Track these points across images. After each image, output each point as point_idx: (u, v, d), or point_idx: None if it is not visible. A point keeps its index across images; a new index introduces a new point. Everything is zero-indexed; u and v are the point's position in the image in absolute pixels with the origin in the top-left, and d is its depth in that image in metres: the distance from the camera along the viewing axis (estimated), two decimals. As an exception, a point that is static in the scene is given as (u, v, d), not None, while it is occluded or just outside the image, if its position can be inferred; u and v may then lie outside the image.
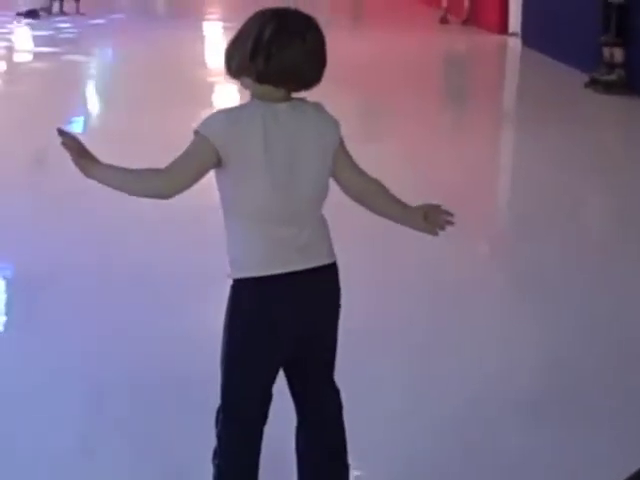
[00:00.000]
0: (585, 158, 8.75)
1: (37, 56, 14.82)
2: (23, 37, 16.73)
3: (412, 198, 3.33)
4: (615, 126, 10.60)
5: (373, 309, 5.25)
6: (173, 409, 4.23)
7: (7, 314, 5.41)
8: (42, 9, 18.01)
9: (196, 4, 21.33)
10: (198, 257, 5.81)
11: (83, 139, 3.06)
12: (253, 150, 2.92)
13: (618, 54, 11.27)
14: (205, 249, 4.35)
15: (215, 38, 16.39)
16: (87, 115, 10.94)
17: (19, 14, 17.99)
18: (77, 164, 3.01)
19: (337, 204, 3.28)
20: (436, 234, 3.18)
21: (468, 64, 15.04)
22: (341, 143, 3.10)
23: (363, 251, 5.98)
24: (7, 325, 5.27)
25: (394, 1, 21.27)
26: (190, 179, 2.96)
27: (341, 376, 3.29)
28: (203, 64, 13.46)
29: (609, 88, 11.19)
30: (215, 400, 3.14)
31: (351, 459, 3.30)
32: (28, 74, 13.58)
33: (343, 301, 3.18)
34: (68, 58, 14.29)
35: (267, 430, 3.17)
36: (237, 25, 3.03)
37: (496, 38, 15.69)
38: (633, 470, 3.45)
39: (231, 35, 3.03)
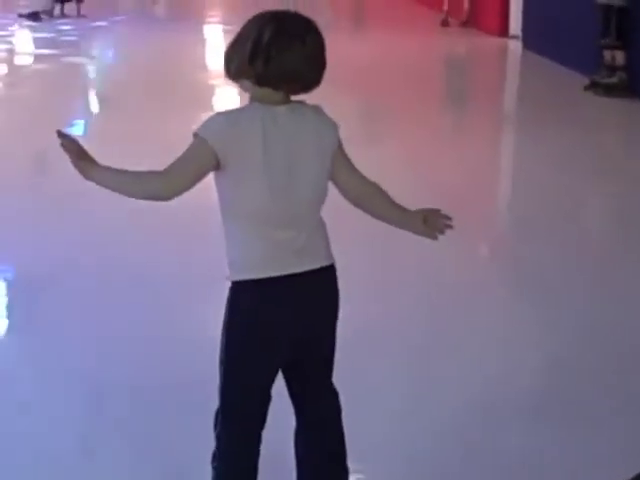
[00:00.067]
0: (586, 160, 8.76)
1: (38, 58, 14.83)
2: (24, 39, 16.74)
3: (413, 200, 3.34)
4: (616, 128, 10.60)
5: (373, 311, 5.26)
6: (173, 410, 4.23)
7: (7, 315, 5.42)
8: (44, 11, 18.02)
9: (197, 7, 21.35)
10: (198, 258, 5.82)
11: (84, 141, 3.07)
12: (252, 152, 2.92)
13: (619, 57, 11.26)
14: (205, 250, 4.36)
15: (215, 41, 16.40)
16: (88, 117, 10.94)
17: (20, 16, 18.00)
18: (76, 166, 3.01)
19: (337, 206, 3.28)
20: (435, 238, 3.18)
21: (469, 67, 15.04)
22: (340, 146, 3.10)
23: (363, 253, 5.98)
24: (7, 326, 5.28)
25: (395, 3, 21.28)
26: (189, 181, 2.96)
27: (341, 377, 3.29)
28: (204, 67, 13.47)
29: (610, 91, 11.19)
30: (215, 401, 3.14)
31: (351, 461, 3.30)
32: (29, 76, 13.59)
33: (343, 303, 3.18)
34: (69, 60, 14.29)
35: (266, 432, 3.17)
36: (237, 28, 3.04)
37: (497, 41, 15.69)
38: (633, 471, 3.47)
39: (231, 38, 3.03)
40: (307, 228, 3.04)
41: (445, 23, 17.46)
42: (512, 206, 7.97)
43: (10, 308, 5.52)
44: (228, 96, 9.93)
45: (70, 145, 3.01)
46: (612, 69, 11.34)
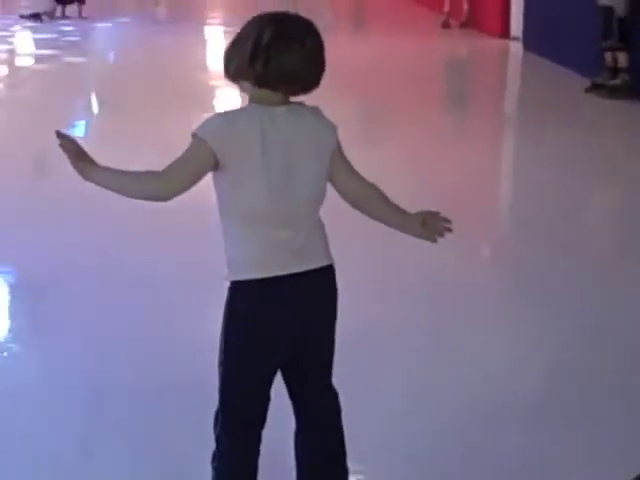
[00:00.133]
0: (586, 162, 8.75)
1: (39, 59, 14.84)
2: (25, 40, 16.76)
3: (413, 202, 3.34)
4: (617, 130, 10.59)
5: (373, 311, 5.26)
6: (173, 411, 4.23)
7: (8, 316, 5.42)
8: (45, 13, 18.04)
9: (198, 8, 21.36)
10: (197, 258, 5.82)
11: (84, 142, 3.07)
12: (250, 153, 2.92)
13: (622, 59, 11.24)
14: (205, 251, 4.36)
15: (216, 42, 16.41)
16: (88, 118, 10.95)
17: (22, 17, 18.03)
18: (75, 167, 3.02)
19: (337, 207, 3.28)
20: (434, 241, 3.18)
21: (470, 68, 15.05)
22: (338, 147, 3.11)
23: (363, 253, 5.99)
24: (7, 327, 5.28)
25: (395, 5, 21.29)
26: (188, 181, 2.96)
27: (341, 377, 3.29)
28: (204, 68, 13.47)
29: (613, 93, 11.18)
30: (215, 402, 3.14)
31: (351, 461, 3.30)
32: (30, 77, 13.61)
33: (342, 303, 3.18)
34: (70, 61, 14.31)
35: (266, 432, 3.17)
36: (238, 29, 3.04)
37: (498, 42, 15.70)
38: (634, 471, 3.47)
39: (231, 39, 3.04)
40: (306, 228, 3.04)
41: (446, 25, 17.47)
42: (513, 207, 7.97)
43: (10, 309, 5.52)
44: (229, 97, 9.94)
45: (69, 146, 3.01)
46: (614, 71, 11.32)
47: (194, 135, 2.94)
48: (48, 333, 5.09)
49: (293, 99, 3.03)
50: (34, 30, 17.21)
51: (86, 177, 3.03)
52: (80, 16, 18.40)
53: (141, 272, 5.83)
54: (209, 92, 11.59)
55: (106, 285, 5.69)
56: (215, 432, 3.15)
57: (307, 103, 3.07)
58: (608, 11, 11.26)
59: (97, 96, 12.43)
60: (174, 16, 20.81)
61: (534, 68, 13.90)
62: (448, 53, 15.75)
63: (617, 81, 11.26)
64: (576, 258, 6.26)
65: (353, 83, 12.30)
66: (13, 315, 5.43)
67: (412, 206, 3.25)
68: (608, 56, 11.39)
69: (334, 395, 3.27)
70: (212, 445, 3.16)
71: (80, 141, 3.07)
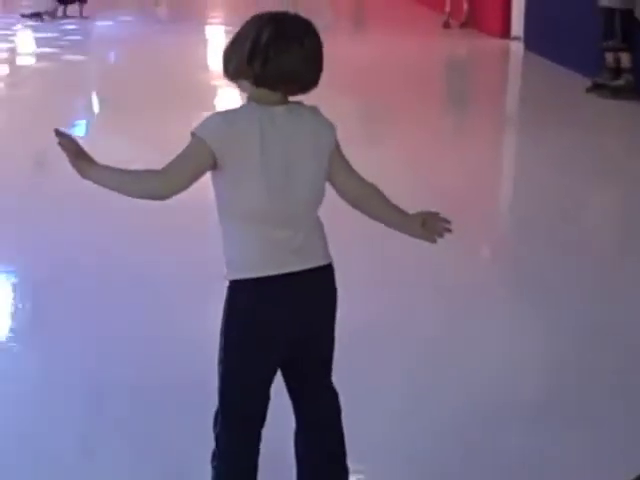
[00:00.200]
0: (587, 162, 8.75)
1: (40, 58, 14.83)
2: (26, 39, 16.76)
3: (413, 202, 3.34)
4: (618, 130, 10.58)
5: (373, 311, 5.25)
6: (173, 410, 4.23)
7: (8, 315, 5.42)
8: (46, 12, 18.04)
9: (199, 8, 21.35)
10: (198, 258, 5.81)
11: (85, 141, 3.07)
12: (249, 152, 2.93)
13: (625, 59, 11.23)
14: (205, 250, 4.35)
15: (217, 42, 16.40)
16: (89, 117, 10.95)
17: (23, 16, 18.03)
18: (74, 165, 3.02)
19: (337, 206, 3.28)
20: (434, 241, 3.19)
21: (470, 68, 15.03)
22: (337, 146, 3.11)
23: (363, 253, 5.99)
24: (7, 326, 5.28)
25: (396, 5, 21.27)
26: (186, 180, 2.97)
27: (341, 377, 3.29)
28: (205, 67, 13.46)
29: (617, 93, 11.17)
30: (215, 401, 3.14)
31: (351, 461, 3.30)
32: (30, 76, 13.59)
33: (342, 303, 3.18)
34: (70, 61, 14.30)
35: (266, 430, 3.17)
36: (238, 29, 3.04)
37: (498, 42, 15.67)
38: (635, 471, 3.47)
39: (230, 38, 3.04)
40: (304, 228, 3.04)
41: (447, 25, 17.44)
42: (513, 207, 7.96)
43: (10, 308, 5.52)
44: (229, 97, 9.94)
45: (68, 144, 3.02)
46: (616, 71, 11.31)
47: (193, 134, 2.95)
48: (48, 332, 5.09)
49: (292, 98, 3.03)
50: (35, 29, 17.20)
51: (84, 175, 3.03)
52: (81, 15, 18.39)
53: (141, 271, 5.83)
54: (210, 91, 11.58)
55: (106, 284, 5.69)
56: (215, 432, 3.16)
57: (307, 103, 3.07)
58: (609, 12, 11.25)
59: (98, 95, 12.43)
60: (175, 15, 20.79)
61: (535, 68, 13.89)
62: (449, 53, 15.73)
63: (620, 81, 11.25)
64: (576, 258, 6.25)
65: (353, 83, 12.29)
66: (13, 314, 5.43)
67: (412, 206, 3.25)
68: (609, 56, 11.37)
69: (334, 395, 3.27)
70: (212, 444, 3.17)
71: (80, 140, 3.07)
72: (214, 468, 3.19)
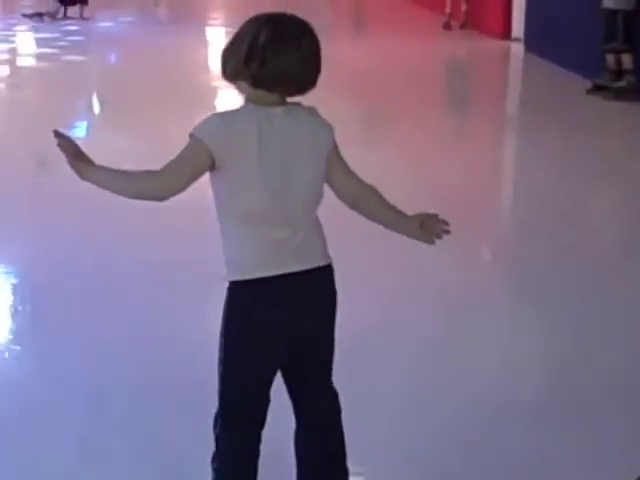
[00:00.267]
0: (588, 164, 8.75)
1: (40, 59, 14.84)
2: (27, 40, 16.78)
3: (414, 204, 3.34)
4: (619, 132, 10.59)
5: (373, 311, 5.26)
6: (173, 410, 4.23)
7: (7, 316, 5.42)
8: (47, 13, 18.07)
9: (199, 9, 21.36)
10: (198, 258, 5.82)
11: (85, 142, 3.07)
12: (247, 153, 2.93)
13: (627, 60, 11.23)
14: (205, 251, 4.35)
15: (217, 43, 16.41)
16: (89, 118, 10.96)
17: (24, 15, 18.05)
18: (72, 166, 3.03)
19: (336, 207, 3.28)
20: (432, 243, 3.19)
21: (471, 70, 15.04)
22: (335, 147, 3.11)
23: (363, 254, 5.98)
24: (7, 327, 5.28)
25: (397, 7, 21.28)
26: (184, 181, 2.97)
27: (341, 378, 3.29)
28: (205, 68, 13.47)
29: (618, 94, 11.17)
30: (215, 401, 3.14)
31: (351, 461, 3.29)
32: (31, 76, 13.61)
33: (342, 304, 3.18)
34: (71, 62, 14.31)
35: (266, 431, 3.17)
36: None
37: (499, 44, 15.69)
38: (635, 472, 3.47)
39: (228, 39, 3.04)
40: (303, 228, 3.04)
41: (447, 26, 17.46)
42: (513, 209, 7.96)
43: (10, 309, 5.52)
44: (230, 98, 9.92)
45: (67, 145, 3.02)
46: (617, 73, 11.31)
47: (191, 135, 2.95)
48: (48, 333, 5.09)
49: (290, 99, 3.03)
50: (35, 30, 17.22)
51: (83, 177, 3.03)
52: (81, 16, 18.41)
53: (141, 272, 5.83)
54: (210, 92, 11.58)
55: (106, 284, 5.69)
56: (215, 433, 3.16)
57: (308, 104, 3.07)
58: (612, 13, 11.24)
59: (98, 95, 12.44)
60: (175, 17, 20.82)
61: (535, 69, 13.90)
62: (449, 54, 15.75)
63: (622, 83, 11.25)
64: (576, 260, 6.25)
65: (354, 84, 12.31)
66: (13, 315, 5.43)
67: (412, 208, 3.25)
68: (610, 58, 11.38)
69: (334, 395, 3.27)
70: (212, 445, 3.16)
71: (80, 140, 3.07)
72: (214, 470, 3.18)
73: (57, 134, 3.02)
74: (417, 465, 3.83)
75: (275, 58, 2.91)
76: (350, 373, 3.79)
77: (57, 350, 4.86)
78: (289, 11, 3.06)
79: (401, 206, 3.22)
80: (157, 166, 3.02)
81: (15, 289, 5.81)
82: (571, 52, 12.75)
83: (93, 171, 3.02)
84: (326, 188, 3.11)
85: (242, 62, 2.94)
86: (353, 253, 5.62)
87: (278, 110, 2.98)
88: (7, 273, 6.07)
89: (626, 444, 3.99)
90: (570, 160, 8.75)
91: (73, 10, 18.47)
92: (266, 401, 3.14)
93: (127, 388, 4.42)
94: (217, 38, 16.79)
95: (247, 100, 3.02)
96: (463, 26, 17.15)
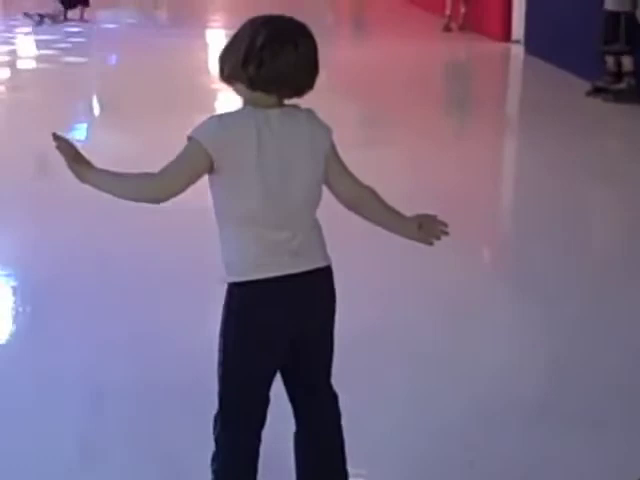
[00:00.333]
0: (588, 166, 8.76)
1: (40, 61, 14.85)
2: (27, 41, 16.79)
3: (414, 205, 3.34)
4: (619, 134, 10.59)
5: (374, 312, 5.26)
6: (173, 411, 4.23)
7: (8, 316, 5.42)
8: (48, 15, 18.08)
9: (198, 12, 21.37)
10: (198, 259, 5.81)
11: (85, 145, 3.08)
12: (246, 155, 2.93)
13: (627, 62, 11.24)
14: (206, 253, 4.35)
15: (217, 45, 16.41)
16: (89, 121, 10.96)
17: (26, 14, 18.05)
18: (71, 169, 3.04)
19: (336, 208, 3.28)
20: (431, 244, 3.19)
21: (471, 72, 15.04)
22: (333, 148, 3.11)
23: (363, 254, 5.99)
24: (8, 327, 5.28)
25: (396, 8, 21.28)
26: (183, 183, 2.97)
27: (341, 380, 3.29)
28: (205, 71, 13.47)
29: (618, 97, 11.18)
30: (215, 402, 3.14)
31: (351, 464, 3.29)
32: (31, 79, 13.61)
33: (341, 305, 3.18)
34: (71, 64, 14.31)
35: (266, 431, 3.17)
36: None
37: (499, 46, 15.69)
38: (637, 472, 3.47)
39: (226, 41, 3.05)
40: (302, 229, 3.04)
41: (447, 28, 17.46)
42: (513, 211, 7.96)
43: (10, 309, 5.53)
44: (229, 100, 9.93)
45: (66, 148, 3.03)
46: (617, 75, 11.32)
47: (189, 137, 2.95)
48: (48, 333, 5.09)
49: (288, 101, 3.03)
50: (36, 32, 17.23)
51: (82, 179, 3.04)
52: (81, 19, 18.42)
53: (141, 272, 5.83)
54: (210, 95, 11.59)
55: (106, 285, 5.69)
56: (214, 434, 3.16)
57: (308, 106, 3.08)
58: (613, 15, 11.24)
59: (98, 97, 12.44)
60: (175, 19, 20.82)
61: (535, 71, 13.90)
62: (450, 56, 15.75)
63: (622, 85, 11.26)
64: (576, 261, 6.26)
65: (354, 86, 12.32)
66: (13, 315, 5.43)
67: (412, 209, 3.25)
68: (610, 60, 11.39)
69: (334, 397, 3.26)
70: (212, 445, 3.16)
71: (80, 142, 3.08)
72: (214, 471, 3.18)
73: (56, 137, 3.03)
74: (417, 466, 3.82)
75: (272, 60, 2.91)
76: (350, 374, 3.79)
77: (57, 350, 4.86)
78: (288, 13, 3.07)
79: (400, 207, 3.22)
80: (156, 168, 3.02)
81: (15, 289, 5.81)
82: (571, 54, 12.75)
83: (92, 174, 3.03)
84: (325, 189, 3.12)
85: (239, 64, 2.94)
86: (353, 253, 5.62)
87: (276, 112, 2.98)
88: (7, 273, 6.07)
89: (626, 444, 3.99)
90: (570, 162, 8.75)
91: (74, 12, 18.48)
92: (266, 401, 3.14)
93: (127, 388, 4.42)
94: (216, 40, 16.79)
95: (245, 102, 3.02)
96: (462, 28, 17.16)
